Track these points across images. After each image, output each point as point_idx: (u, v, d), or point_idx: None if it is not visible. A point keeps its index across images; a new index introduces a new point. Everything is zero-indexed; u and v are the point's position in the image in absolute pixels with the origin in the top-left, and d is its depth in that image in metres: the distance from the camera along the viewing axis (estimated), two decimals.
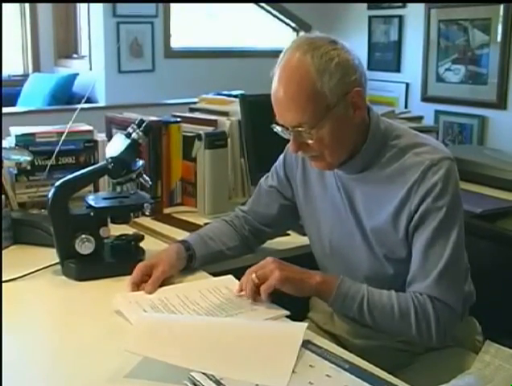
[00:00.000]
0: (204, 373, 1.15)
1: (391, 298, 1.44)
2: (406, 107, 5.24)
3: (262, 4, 6.03)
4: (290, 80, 1.44)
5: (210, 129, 2.34)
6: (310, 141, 1.47)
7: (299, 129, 1.46)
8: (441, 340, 1.45)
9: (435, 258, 1.44)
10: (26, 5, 5.86)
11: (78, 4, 5.88)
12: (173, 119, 2.39)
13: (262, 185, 1.83)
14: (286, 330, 1.35)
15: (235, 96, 2.59)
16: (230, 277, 1.63)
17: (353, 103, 1.46)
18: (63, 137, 2.01)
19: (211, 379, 1.14)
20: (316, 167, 1.61)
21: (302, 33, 6.15)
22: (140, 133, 1.75)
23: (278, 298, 1.47)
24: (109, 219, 1.76)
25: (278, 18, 6.16)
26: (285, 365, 1.19)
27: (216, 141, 2.22)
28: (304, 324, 1.34)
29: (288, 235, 1.97)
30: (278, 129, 1.52)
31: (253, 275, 1.48)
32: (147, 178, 1.81)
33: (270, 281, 1.45)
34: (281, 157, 1.77)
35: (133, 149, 1.75)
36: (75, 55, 6.03)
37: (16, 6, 5.84)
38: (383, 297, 1.45)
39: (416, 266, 1.46)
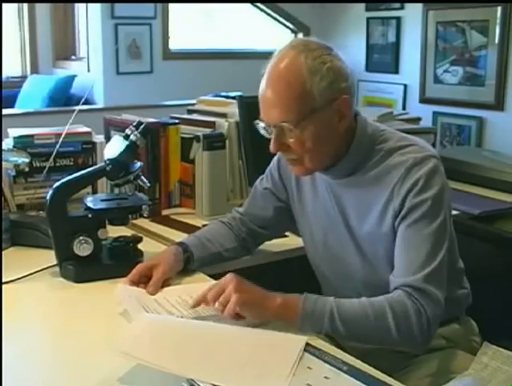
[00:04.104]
0: None
1: (362, 303, 1.39)
2: (404, 108, 5.24)
3: (261, 6, 6.03)
4: (281, 77, 1.45)
5: (208, 130, 2.34)
6: (291, 140, 1.47)
7: (283, 124, 1.45)
8: (425, 334, 1.37)
9: (411, 251, 1.42)
10: (25, 6, 5.86)
11: (76, 6, 5.87)
12: (171, 121, 2.39)
13: (257, 187, 1.83)
14: (284, 342, 1.32)
15: (233, 98, 2.59)
16: None
17: (339, 110, 1.46)
18: (61, 139, 2.01)
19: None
20: (294, 172, 1.61)
21: (300, 35, 6.16)
22: (138, 135, 1.75)
23: None
24: (107, 221, 1.76)
25: (276, 20, 6.15)
26: (281, 377, 1.17)
27: (215, 142, 2.22)
28: (304, 338, 1.32)
29: (286, 236, 1.96)
30: (260, 125, 1.52)
31: (216, 304, 1.38)
32: (145, 179, 1.81)
33: (230, 306, 1.35)
34: (275, 158, 1.76)
35: (131, 150, 1.75)
36: (73, 57, 6.03)
37: (14, 7, 5.84)
38: (354, 305, 1.38)
39: (396, 261, 1.44)
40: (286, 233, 1.96)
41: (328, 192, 1.60)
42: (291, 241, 1.95)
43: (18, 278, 1.67)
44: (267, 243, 1.89)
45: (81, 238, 1.68)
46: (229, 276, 1.42)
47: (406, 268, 1.41)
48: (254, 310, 1.37)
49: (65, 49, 6.04)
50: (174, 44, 5.73)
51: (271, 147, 1.51)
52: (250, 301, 1.37)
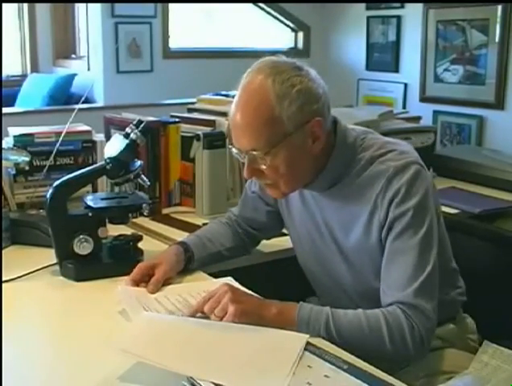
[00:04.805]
0: None
1: (357, 314, 1.38)
2: (404, 107, 5.24)
3: (261, 4, 6.03)
4: (247, 104, 1.41)
5: (208, 129, 2.34)
6: (264, 167, 1.44)
7: (254, 152, 1.42)
8: (418, 349, 1.36)
9: (399, 264, 1.40)
10: (25, 5, 5.85)
11: (76, 4, 5.87)
12: (171, 119, 2.39)
13: (246, 190, 1.82)
14: (285, 340, 1.31)
15: (233, 97, 2.58)
16: (230, 278, 1.63)
17: (312, 133, 1.42)
18: (61, 138, 2.01)
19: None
20: (271, 195, 1.59)
21: (301, 34, 6.15)
22: (138, 134, 1.74)
23: (275, 298, 1.47)
24: (107, 220, 1.76)
25: (276, 19, 6.15)
26: (281, 375, 1.17)
27: (215, 141, 2.22)
28: (305, 336, 1.31)
29: (286, 235, 1.95)
30: (233, 150, 1.49)
31: (213, 316, 1.38)
32: (145, 178, 1.81)
33: (227, 318, 1.35)
34: None
35: (131, 149, 1.75)
36: (73, 56, 6.03)
37: (14, 6, 5.83)
38: (348, 314, 1.38)
39: (385, 275, 1.43)
40: (285, 231, 1.95)
41: (314, 204, 1.58)
42: (289, 240, 1.94)
43: (19, 277, 1.67)
44: (266, 242, 1.89)
45: (81, 237, 1.68)
46: (223, 286, 1.41)
47: (396, 284, 1.39)
48: (251, 319, 1.36)
49: (65, 48, 6.04)
50: (174, 43, 5.73)
51: (244, 173, 1.48)
52: (247, 311, 1.36)
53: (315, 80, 1.44)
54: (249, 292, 1.48)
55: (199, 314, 1.42)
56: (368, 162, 1.48)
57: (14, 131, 2.16)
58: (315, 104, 1.42)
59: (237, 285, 1.54)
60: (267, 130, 1.39)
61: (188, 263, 1.70)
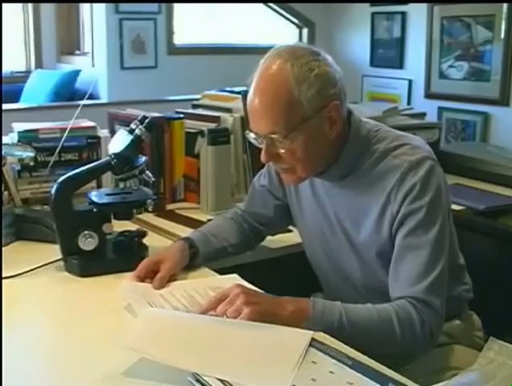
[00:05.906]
0: None
1: (368, 308, 1.38)
2: (409, 104, 5.23)
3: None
4: (267, 88, 1.42)
5: (213, 125, 2.34)
6: (282, 151, 1.44)
7: (272, 136, 1.43)
8: (427, 342, 1.39)
9: (411, 260, 1.40)
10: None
11: None
12: (176, 115, 2.39)
13: (254, 184, 1.83)
14: (290, 336, 1.31)
15: (238, 93, 2.59)
16: (235, 275, 1.62)
17: (329, 117, 1.44)
18: (66, 134, 2.01)
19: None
20: (286, 181, 1.60)
21: (305, 30, 6.15)
22: (143, 130, 1.74)
23: (279, 294, 1.47)
24: (111, 216, 1.76)
25: (281, 15, 6.15)
26: (285, 371, 1.17)
27: (219, 137, 2.22)
28: (309, 332, 1.31)
29: (291, 231, 1.96)
30: (251, 135, 1.50)
31: (225, 317, 1.35)
32: (150, 174, 1.81)
33: (242, 318, 1.32)
34: None
35: (136, 145, 1.75)
36: (77, 52, 6.03)
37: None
38: (359, 309, 1.38)
39: (394, 270, 1.43)
40: (290, 228, 1.95)
41: (325, 195, 1.59)
42: (294, 236, 1.94)
43: (23, 272, 1.67)
44: (270, 238, 1.89)
45: (86, 232, 1.68)
46: (234, 288, 1.38)
47: (407, 279, 1.40)
48: (267, 319, 1.33)
49: (70, 44, 6.04)
50: (178, 39, 5.73)
51: (262, 158, 1.49)
52: (263, 312, 1.33)
53: (331, 65, 1.45)
54: (259, 290, 1.47)
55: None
56: (382, 155, 1.49)
57: (18, 127, 2.16)
58: (332, 89, 1.43)
59: (243, 282, 1.53)
60: (286, 113, 1.40)
61: (193, 259, 1.70)
